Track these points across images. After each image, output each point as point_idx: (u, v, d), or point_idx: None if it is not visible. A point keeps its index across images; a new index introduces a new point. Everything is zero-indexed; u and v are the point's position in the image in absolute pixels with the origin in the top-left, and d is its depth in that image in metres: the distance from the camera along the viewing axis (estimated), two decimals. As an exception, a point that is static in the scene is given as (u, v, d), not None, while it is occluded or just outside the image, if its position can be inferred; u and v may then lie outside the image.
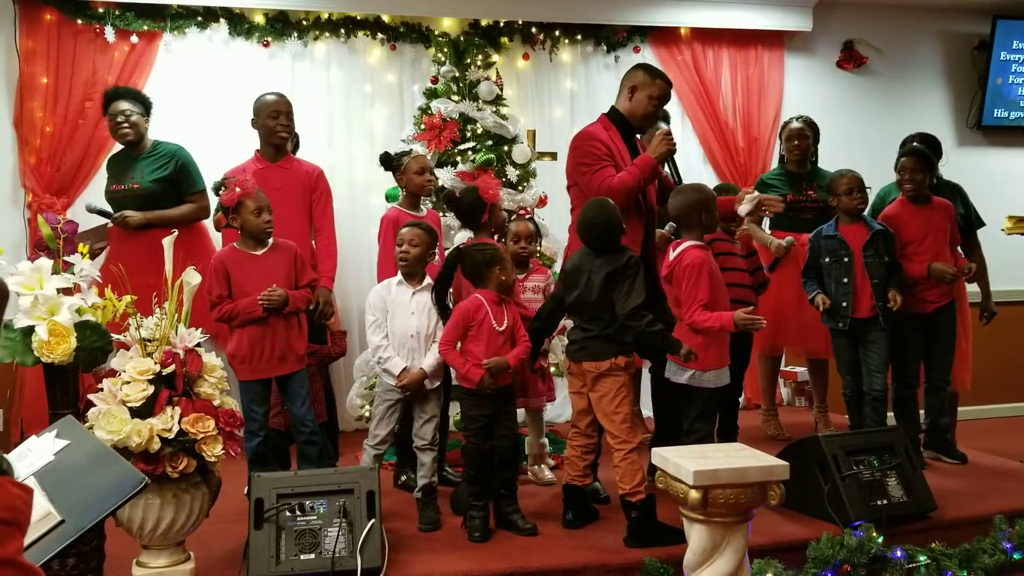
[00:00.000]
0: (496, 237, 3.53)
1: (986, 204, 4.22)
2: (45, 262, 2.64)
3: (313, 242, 3.75)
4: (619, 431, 2.85)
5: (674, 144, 3.22)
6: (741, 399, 4.56)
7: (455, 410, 3.62)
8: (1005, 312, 5.55)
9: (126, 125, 3.87)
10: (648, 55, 5.21)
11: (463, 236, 3.70)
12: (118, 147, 4.13)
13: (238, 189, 3.04)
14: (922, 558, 2.85)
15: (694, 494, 2.20)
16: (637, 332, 2.81)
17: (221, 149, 4.29)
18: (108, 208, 3.92)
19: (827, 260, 3.76)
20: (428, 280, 3.13)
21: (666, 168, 3.38)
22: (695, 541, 2.29)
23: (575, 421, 3.05)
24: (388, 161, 3.71)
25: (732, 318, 2.93)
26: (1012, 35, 5.68)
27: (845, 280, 3.70)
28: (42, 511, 1.30)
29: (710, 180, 5.04)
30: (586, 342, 2.92)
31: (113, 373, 2.45)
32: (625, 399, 2.87)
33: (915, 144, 4.01)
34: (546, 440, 3.69)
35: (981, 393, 5.18)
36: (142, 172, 3.90)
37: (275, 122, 3.64)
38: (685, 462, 2.25)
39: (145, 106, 3.96)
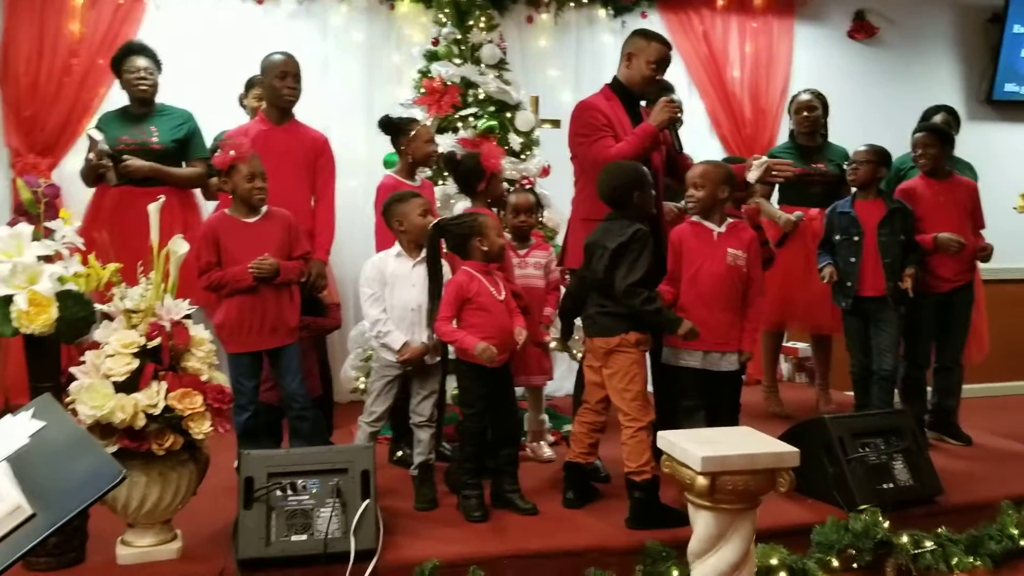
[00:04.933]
0: (495, 210, 3.42)
1: (995, 181, 4.12)
2: (25, 228, 2.51)
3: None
4: (630, 409, 2.79)
5: (676, 111, 3.13)
6: (743, 376, 4.48)
7: (452, 384, 3.53)
8: (1014, 290, 5.50)
9: (147, 83, 3.82)
10: (656, 21, 5.06)
11: (462, 206, 3.59)
12: (110, 105, 4.02)
13: (232, 152, 2.92)
14: (928, 543, 2.80)
15: (701, 481, 2.12)
16: (633, 310, 2.75)
17: (212, 111, 4.15)
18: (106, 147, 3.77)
19: (838, 237, 3.69)
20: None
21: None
22: (700, 528, 2.21)
23: (587, 396, 2.98)
24: (390, 125, 3.55)
25: None
26: (1027, 7, 5.53)
27: (852, 259, 3.63)
28: (11, 504, 1.20)
29: (716, 152, 4.95)
30: (598, 317, 2.86)
31: (96, 345, 2.35)
32: (637, 376, 2.81)
33: (931, 121, 3.92)
34: (545, 416, 3.62)
35: (988, 371, 5.12)
36: (158, 129, 3.84)
37: (282, 83, 3.48)
38: (692, 447, 2.16)
39: (158, 66, 3.91)
